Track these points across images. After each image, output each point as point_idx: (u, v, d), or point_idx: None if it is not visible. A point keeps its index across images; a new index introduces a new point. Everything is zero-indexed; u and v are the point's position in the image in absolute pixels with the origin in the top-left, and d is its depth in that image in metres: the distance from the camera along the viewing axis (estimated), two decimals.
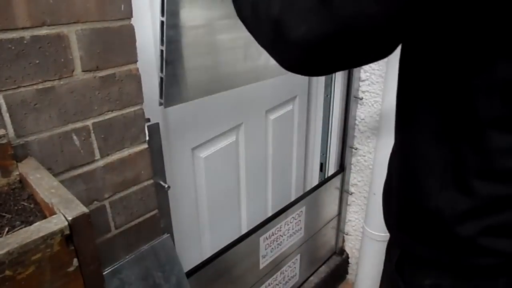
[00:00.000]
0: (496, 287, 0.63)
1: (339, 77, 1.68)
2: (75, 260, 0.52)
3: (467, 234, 0.61)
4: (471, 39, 0.51)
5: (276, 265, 1.61)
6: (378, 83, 1.60)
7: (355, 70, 1.63)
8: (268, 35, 0.55)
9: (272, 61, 0.58)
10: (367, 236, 1.74)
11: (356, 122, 1.75)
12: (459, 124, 0.57)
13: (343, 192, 1.90)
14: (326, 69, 0.57)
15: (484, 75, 0.51)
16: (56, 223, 0.50)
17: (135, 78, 0.83)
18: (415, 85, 0.63)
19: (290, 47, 0.52)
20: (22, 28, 0.64)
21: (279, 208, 1.55)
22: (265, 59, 1.05)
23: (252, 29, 0.62)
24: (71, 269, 0.52)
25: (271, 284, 1.63)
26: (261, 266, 1.53)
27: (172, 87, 0.89)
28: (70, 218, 0.51)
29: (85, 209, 0.52)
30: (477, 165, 0.56)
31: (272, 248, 1.55)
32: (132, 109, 0.84)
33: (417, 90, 0.63)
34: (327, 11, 0.47)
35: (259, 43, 0.61)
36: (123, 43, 0.78)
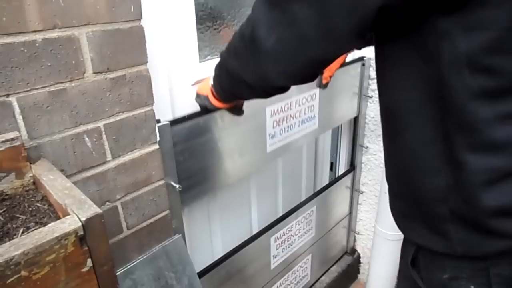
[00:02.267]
0: None
1: None
2: (89, 260, 0.53)
3: (476, 216, 0.61)
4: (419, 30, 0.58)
5: (287, 265, 1.61)
6: None
7: (365, 68, 1.61)
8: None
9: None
10: (378, 235, 1.72)
11: (366, 120, 1.74)
12: (444, 108, 0.60)
13: (354, 191, 1.89)
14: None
15: (448, 52, 0.55)
16: (70, 224, 0.50)
17: (145, 79, 0.83)
18: (396, 90, 0.67)
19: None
20: (34, 31, 0.65)
21: (289, 208, 1.55)
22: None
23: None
24: (85, 269, 0.53)
25: (283, 284, 1.63)
26: (272, 266, 1.52)
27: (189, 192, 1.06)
28: (83, 219, 0.51)
29: (98, 210, 0.53)
30: (466, 140, 0.59)
31: (283, 248, 1.54)
32: (142, 110, 0.85)
33: (399, 93, 0.66)
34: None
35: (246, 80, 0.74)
36: (133, 44, 0.79)
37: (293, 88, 0.83)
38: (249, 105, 1.06)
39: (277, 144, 1.30)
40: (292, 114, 1.33)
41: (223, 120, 1.09)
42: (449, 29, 0.54)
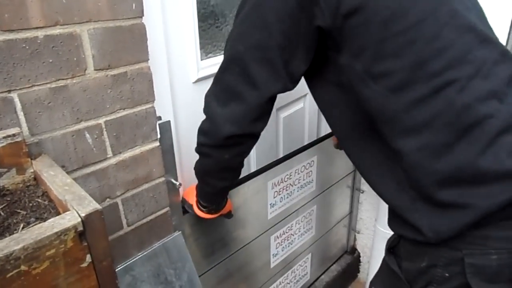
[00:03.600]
0: (488, 253, 0.69)
1: None
2: (88, 256, 0.53)
3: (427, 193, 0.72)
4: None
5: (287, 264, 1.61)
6: None
7: None
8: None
9: None
10: (379, 235, 1.72)
11: None
12: (368, 114, 0.75)
13: (355, 190, 1.89)
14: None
15: (352, 74, 0.73)
16: (69, 219, 0.50)
17: (147, 76, 0.83)
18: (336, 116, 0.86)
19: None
20: (36, 28, 0.65)
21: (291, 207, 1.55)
22: None
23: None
24: (84, 264, 0.53)
25: (282, 282, 1.63)
26: (272, 265, 1.53)
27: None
28: (83, 215, 0.51)
29: (97, 206, 0.53)
30: (394, 131, 0.72)
31: (283, 247, 1.55)
32: (143, 107, 0.85)
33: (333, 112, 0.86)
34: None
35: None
36: (134, 41, 0.79)
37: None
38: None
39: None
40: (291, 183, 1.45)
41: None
42: (345, 61, 0.72)
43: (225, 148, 0.81)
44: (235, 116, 0.76)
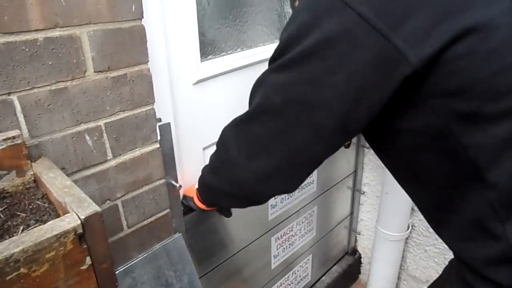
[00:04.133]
0: None
1: None
2: (88, 258, 0.53)
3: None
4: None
5: (288, 265, 1.61)
6: None
7: None
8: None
9: None
10: (380, 236, 1.72)
11: None
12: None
13: (356, 191, 1.89)
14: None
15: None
16: (69, 221, 0.50)
17: (147, 78, 0.83)
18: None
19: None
20: (36, 30, 0.66)
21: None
22: None
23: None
24: (84, 267, 0.53)
25: (283, 284, 1.63)
26: (273, 266, 1.53)
27: None
28: (82, 217, 0.51)
29: (97, 208, 0.53)
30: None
31: (284, 248, 1.55)
32: (143, 109, 0.85)
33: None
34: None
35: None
36: (134, 43, 0.79)
37: None
38: None
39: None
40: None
41: None
42: (437, 102, 0.56)
43: (241, 199, 0.79)
44: (264, 173, 0.69)
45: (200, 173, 0.90)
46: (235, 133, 0.73)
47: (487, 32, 0.51)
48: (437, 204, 0.68)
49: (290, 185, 0.73)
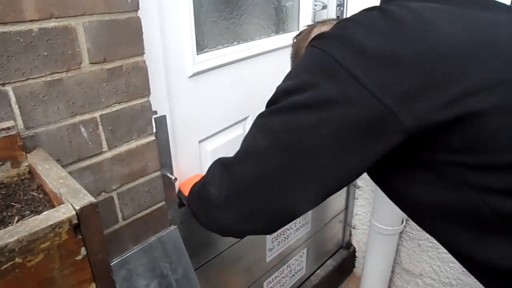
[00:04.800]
0: None
1: None
2: (83, 249, 0.53)
3: None
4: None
5: (282, 259, 1.62)
6: None
7: None
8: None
9: None
10: (374, 230, 1.73)
11: None
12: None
13: (350, 185, 1.90)
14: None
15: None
16: (64, 212, 0.51)
17: (142, 70, 0.83)
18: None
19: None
20: (30, 21, 0.65)
21: None
22: None
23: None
24: (79, 257, 0.53)
25: (278, 277, 1.64)
26: (268, 259, 1.54)
27: None
28: (77, 208, 0.51)
29: (92, 199, 0.53)
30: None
31: (279, 241, 1.56)
32: (139, 101, 0.85)
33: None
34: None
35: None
36: (130, 35, 0.79)
37: None
38: None
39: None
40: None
41: None
42: (447, 157, 0.55)
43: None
44: (241, 216, 0.69)
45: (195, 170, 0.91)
46: (220, 172, 0.72)
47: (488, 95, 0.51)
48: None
49: (266, 229, 0.71)
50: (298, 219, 1.62)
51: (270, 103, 0.65)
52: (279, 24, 1.42)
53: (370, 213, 1.82)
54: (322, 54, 0.57)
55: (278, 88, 0.65)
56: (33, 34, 0.66)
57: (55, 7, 0.67)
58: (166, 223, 1.02)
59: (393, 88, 0.52)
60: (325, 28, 0.88)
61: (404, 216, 1.73)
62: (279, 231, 1.52)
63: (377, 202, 1.70)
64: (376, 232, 1.72)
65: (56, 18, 0.68)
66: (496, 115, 0.51)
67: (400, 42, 0.53)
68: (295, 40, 1.04)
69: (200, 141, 1.20)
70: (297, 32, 1.07)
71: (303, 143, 0.58)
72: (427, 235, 1.73)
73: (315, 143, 0.57)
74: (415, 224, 1.71)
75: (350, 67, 0.54)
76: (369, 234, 1.80)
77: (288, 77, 0.65)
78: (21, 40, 0.65)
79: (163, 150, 0.95)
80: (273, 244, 1.53)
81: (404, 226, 1.74)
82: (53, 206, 0.58)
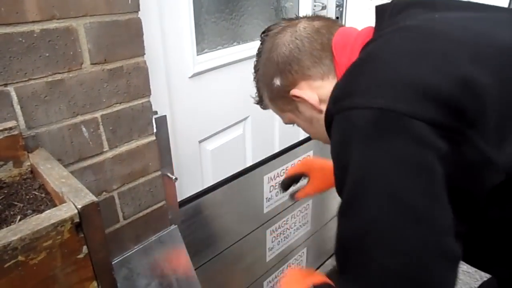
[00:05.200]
0: None
1: None
2: (85, 247, 0.54)
3: None
4: None
5: (282, 258, 1.63)
6: None
7: None
8: None
9: None
10: None
11: None
12: None
13: None
14: None
15: None
16: (66, 211, 0.51)
17: (143, 70, 0.84)
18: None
19: None
20: (32, 22, 0.66)
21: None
22: None
23: None
24: (81, 256, 0.54)
25: (278, 276, 1.64)
26: (268, 259, 1.54)
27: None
28: (79, 206, 0.52)
29: (94, 198, 0.54)
30: None
31: (279, 241, 1.56)
32: (140, 101, 0.86)
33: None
34: None
35: None
36: (130, 36, 0.79)
37: None
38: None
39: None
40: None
41: None
42: None
43: None
44: None
45: None
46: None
47: None
48: None
49: None
50: (298, 219, 1.62)
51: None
52: None
53: None
54: None
55: (340, 170, 0.55)
56: (35, 35, 0.67)
57: (57, 8, 0.68)
58: (166, 222, 1.02)
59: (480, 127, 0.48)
60: (318, 23, 0.69)
61: None
62: (279, 230, 1.53)
63: None
64: None
65: (58, 19, 0.68)
66: None
67: None
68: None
69: (200, 141, 1.21)
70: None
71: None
72: None
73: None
74: None
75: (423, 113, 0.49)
76: None
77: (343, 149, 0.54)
78: (23, 41, 0.66)
79: (164, 150, 0.96)
80: (273, 243, 1.53)
81: None
82: (54, 205, 0.59)
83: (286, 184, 1.03)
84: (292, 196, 1.04)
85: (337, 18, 1.57)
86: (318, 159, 1.04)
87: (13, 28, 0.64)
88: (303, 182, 1.05)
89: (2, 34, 0.63)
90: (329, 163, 0.95)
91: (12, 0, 0.62)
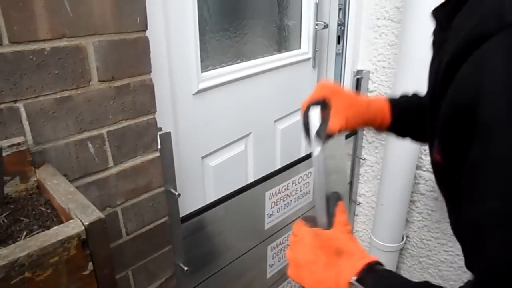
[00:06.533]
0: None
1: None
2: (90, 264, 0.54)
3: None
4: None
5: (283, 275, 1.61)
6: (386, 94, 1.61)
7: (363, 80, 1.64)
8: None
9: None
10: (374, 247, 1.73)
11: (364, 132, 1.76)
12: None
13: (351, 202, 1.90)
14: None
15: None
16: (73, 227, 0.52)
17: (149, 88, 0.85)
18: None
19: None
20: (43, 40, 0.67)
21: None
22: None
23: None
24: (86, 272, 0.54)
25: None
26: (268, 275, 1.53)
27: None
28: (86, 223, 0.53)
29: (101, 215, 0.54)
30: None
31: (280, 257, 1.55)
32: (145, 118, 0.87)
33: None
34: None
35: None
36: (138, 54, 0.81)
37: None
38: None
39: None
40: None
41: None
42: None
43: None
44: None
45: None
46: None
47: None
48: None
49: None
50: None
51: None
52: (281, 43, 1.45)
53: (370, 230, 1.82)
54: None
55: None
56: (45, 53, 0.68)
57: (67, 27, 0.69)
58: (169, 238, 1.02)
59: None
60: None
61: (405, 233, 1.73)
62: (280, 247, 1.52)
63: (377, 219, 1.71)
64: (377, 249, 1.72)
65: (68, 37, 0.70)
66: None
67: None
68: None
69: (203, 157, 1.22)
70: None
71: None
72: (428, 253, 1.74)
73: None
74: (416, 241, 1.71)
75: None
76: (370, 250, 1.79)
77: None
78: (34, 58, 0.67)
79: (167, 166, 0.97)
80: (274, 260, 1.53)
81: (405, 243, 1.74)
82: (60, 221, 0.59)
83: (305, 124, 0.79)
84: (319, 134, 0.74)
85: (339, 37, 1.60)
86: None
87: (24, 46, 0.66)
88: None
89: (14, 52, 0.65)
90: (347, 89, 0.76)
91: (26, 19, 0.64)
